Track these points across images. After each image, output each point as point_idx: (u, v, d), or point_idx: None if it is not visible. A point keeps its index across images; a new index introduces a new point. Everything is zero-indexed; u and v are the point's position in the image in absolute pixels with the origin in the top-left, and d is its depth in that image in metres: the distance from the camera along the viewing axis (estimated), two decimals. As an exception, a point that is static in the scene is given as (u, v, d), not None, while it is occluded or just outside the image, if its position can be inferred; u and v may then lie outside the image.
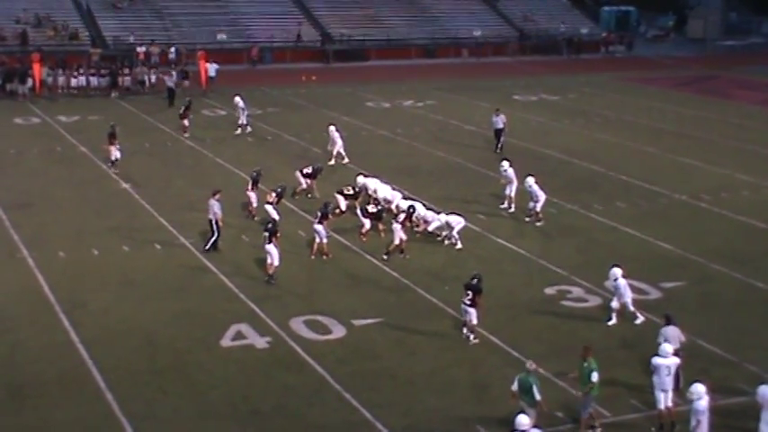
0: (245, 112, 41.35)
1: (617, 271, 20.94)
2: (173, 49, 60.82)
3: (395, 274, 24.10)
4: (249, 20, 68.62)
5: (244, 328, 20.72)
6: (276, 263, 23.62)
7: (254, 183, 28.94)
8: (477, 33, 72.19)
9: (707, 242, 26.83)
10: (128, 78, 52.54)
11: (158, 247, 26.14)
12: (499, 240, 26.87)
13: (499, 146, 37.61)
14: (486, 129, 42.04)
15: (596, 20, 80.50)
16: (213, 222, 25.92)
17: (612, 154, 37.48)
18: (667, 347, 16.45)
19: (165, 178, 33.81)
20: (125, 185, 32.38)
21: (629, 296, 20.94)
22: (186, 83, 51.97)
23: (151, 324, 21.00)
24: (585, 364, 16.29)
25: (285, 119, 44.93)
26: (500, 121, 38.08)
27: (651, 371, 16.45)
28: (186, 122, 40.66)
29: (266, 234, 23.92)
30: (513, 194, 29.13)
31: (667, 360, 16.34)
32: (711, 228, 28.41)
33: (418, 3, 74.90)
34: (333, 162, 34.49)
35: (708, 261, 25.18)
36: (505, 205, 29.29)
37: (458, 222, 26.19)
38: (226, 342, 20.10)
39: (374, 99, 51.19)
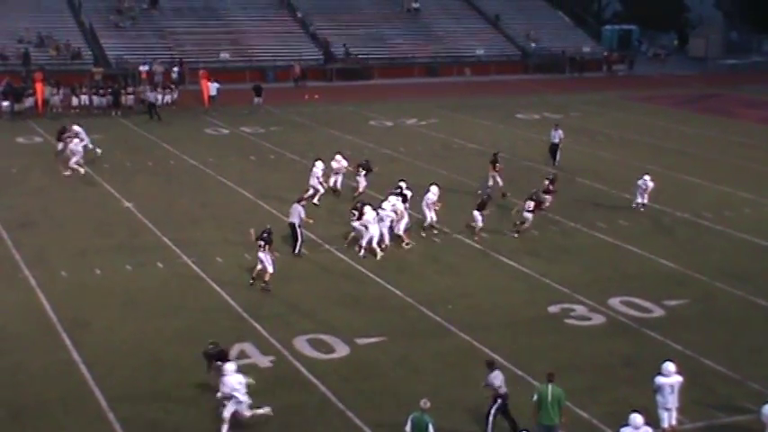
0: (87, 140, 39.04)
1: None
2: (176, 69, 61.09)
3: (398, 292, 24.09)
4: (252, 39, 68.87)
5: (247, 347, 20.69)
6: (270, 270, 23.80)
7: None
8: (480, 52, 72.42)
9: (709, 260, 26.82)
10: (131, 97, 52.71)
11: (161, 265, 26.14)
12: (502, 258, 26.86)
13: (554, 161, 38.49)
14: (489, 147, 42.16)
15: (598, 38, 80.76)
16: (297, 226, 26.49)
17: (615, 172, 37.52)
18: (670, 366, 16.41)
19: (167, 197, 33.85)
20: (127, 204, 32.42)
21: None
22: (168, 98, 53.09)
23: (154, 343, 20.98)
24: (551, 390, 16.00)
25: (288, 137, 45.02)
26: (557, 136, 38.76)
27: (654, 390, 16.41)
28: (60, 146, 38.14)
29: (261, 243, 24.02)
30: None
31: (670, 379, 16.30)
32: (713, 245, 28.40)
33: (421, 21, 75.21)
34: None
35: (710, 279, 25.16)
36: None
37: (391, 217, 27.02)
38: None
39: (377, 118, 51.30)
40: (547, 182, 31.47)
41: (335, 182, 33.45)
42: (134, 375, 19.41)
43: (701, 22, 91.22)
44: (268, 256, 24.05)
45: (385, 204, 27.69)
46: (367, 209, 27.13)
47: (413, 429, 15.34)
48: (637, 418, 14.78)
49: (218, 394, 17.04)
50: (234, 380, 16.78)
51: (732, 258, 27.17)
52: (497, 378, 16.62)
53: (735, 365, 19.68)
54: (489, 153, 41.17)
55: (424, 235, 28.61)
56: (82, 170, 36.46)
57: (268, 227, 24.93)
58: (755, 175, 37.31)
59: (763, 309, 23.23)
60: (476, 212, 28.46)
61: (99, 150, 39.37)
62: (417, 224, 29.09)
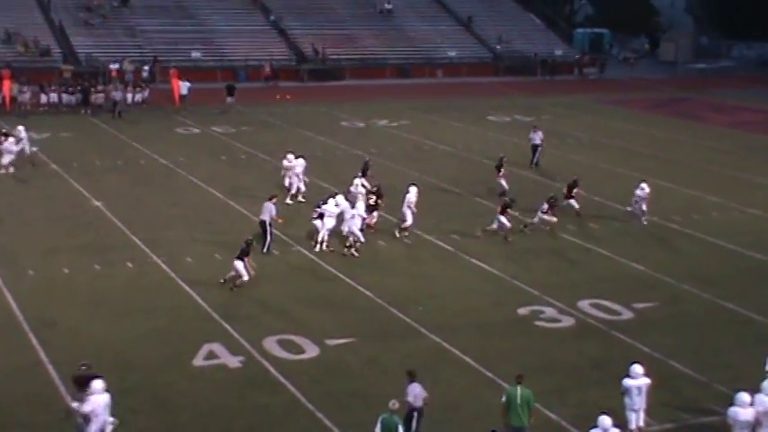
0: (27, 144, 38.25)
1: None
2: (146, 67, 60.77)
3: (368, 293, 24.07)
4: (224, 38, 68.61)
5: (216, 347, 20.59)
6: (245, 278, 23.71)
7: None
8: (452, 54, 72.56)
9: (678, 263, 27.01)
10: (101, 96, 52.27)
11: (130, 265, 25.97)
12: (472, 260, 26.91)
13: (535, 163, 38.77)
14: (461, 150, 42.32)
15: (570, 42, 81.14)
16: (267, 225, 26.48)
17: (585, 175, 37.62)
18: (637, 368, 16.48)
19: (137, 196, 33.64)
20: (97, 203, 32.19)
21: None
22: (138, 97, 52.95)
23: (122, 343, 20.82)
24: (520, 392, 16.00)
25: (259, 137, 44.88)
26: (537, 137, 39.02)
27: (622, 392, 16.49)
28: None
29: (240, 251, 23.97)
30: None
31: (638, 381, 16.37)
32: (682, 248, 28.60)
33: (393, 23, 75.24)
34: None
35: (679, 282, 25.34)
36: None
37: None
38: (198, 361, 19.95)
39: (349, 119, 51.26)
40: (566, 189, 31.42)
41: (290, 182, 33.27)
42: (101, 374, 19.21)
43: (671, 26, 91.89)
44: (243, 266, 23.89)
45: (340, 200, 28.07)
46: (331, 202, 27.58)
47: (382, 430, 15.32)
48: (605, 420, 14.84)
49: (78, 411, 15.77)
50: (101, 399, 15.73)
51: (700, 262, 27.38)
52: (413, 390, 16.32)
53: (702, 368, 19.82)
54: (460, 155, 41.43)
55: (398, 235, 28.59)
56: (11, 170, 36.06)
57: (249, 238, 24.77)
58: (724, 180, 37.62)
59: (730, 312, 23.41)
60: (500, 216, 28.47)
61: (35, 148, 38.64)
62: (386, 225, 29.09)
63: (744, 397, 15.62)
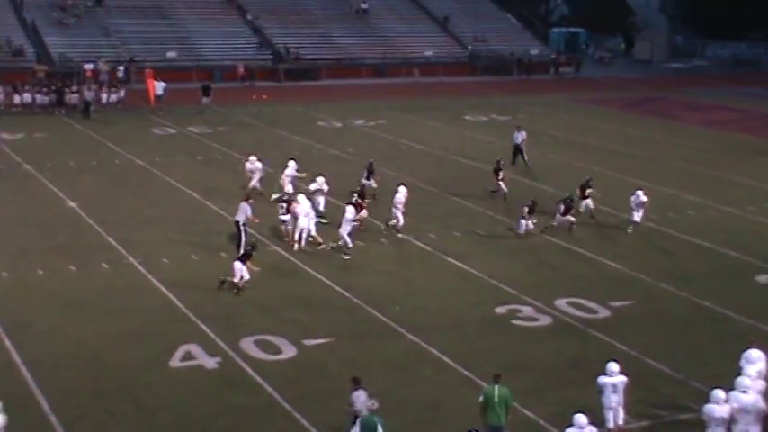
0: None
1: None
2: (121, 67, 60.46)
3: (346, 293, 24.03)
4: (199, 38, 68.37)
5: (193, 348, 20.48)
6: (237, 278, 23.53)
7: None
8: (429, 53, 72.61)
9: (654, 261, 27.12)
10: (75, 96, 51.92)
11: (105, 266, 25.80)
12: (449, 259, 26.92)
13: (525, 159, 38.80)
14: (438, 149, 42.37)
15: (546, 41, 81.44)
16: (242, 225, 26.33)
17: (562, 174, 37.79)
18: (613, 366, 16.51)
19: (113, 197, 33.44)
20: (72, 204, 31.97)
21: None
22: (114, 97, 52.45)
23: (98, 344, 20.67)
24: (498, 391, 15.97)
25: (235, 138, 44.73)
26: (519, 137, 39.17)
27: (598, 390, 16.52)
28: None
29: (243, 252, 23.98)
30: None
31: (614, 378, 16.39)
32: (658, 247, 28.71)
33: (369, 22, 75.23)
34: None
35: (655, 280, 25.45)
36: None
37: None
38: (174, 362, 19.84)
39: (325, 118, 51.20)
40: (579, 189, 31.00)
41: (254, 183, 33.14)
42: (77, 377, 19.11)
43: (646, 26, 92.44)
44: (243, 269, 23.67)
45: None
46: (301, 198, 27.69)
47: (362, 431, 15.29)
48: (581, 419, 14.87)
49: None
50: None
51: (676, 260, 27.50)
52: (359, 398, 16.02)
53: (678, 365, 19.91)
54: (437, 154, 41.45)
55: (385, 231, 28.58)
56: None
57: (253, 241, 24.61)
58: (699, 178, 37.83)
59: (706, 309, 23.54)
60: (522, 220, 28.43)
61: None
62: (368, 225, 29.07)
63: (719, 394, 15.69)
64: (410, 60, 71.47)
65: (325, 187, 30.21)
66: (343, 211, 27.14)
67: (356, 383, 16.25)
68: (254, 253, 24.33)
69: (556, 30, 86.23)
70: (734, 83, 70.02)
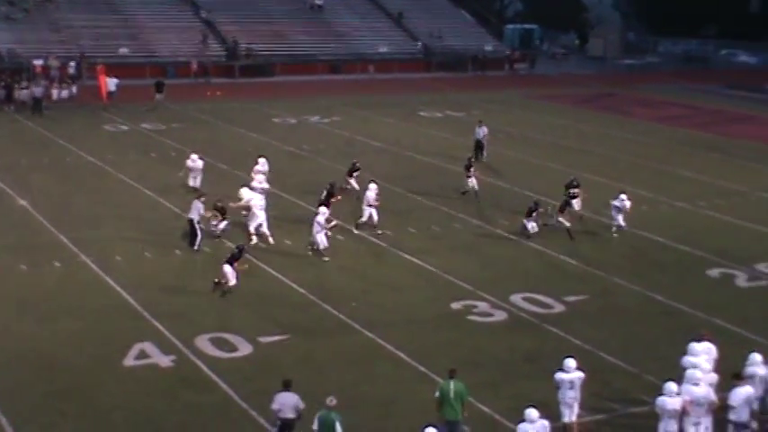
0: None
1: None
2: (72, 63, 59.74)
3: (301, 290, 23.95)
4: (151, 34, 67.76)
5: (147, 346, 20.30)
6: (232, 282, 23.14)
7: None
8: (383, 50, 72.63)
9: (608, 256, 27.35)
10: (24, 92, 51.10)
11: (58, 264, 25.47)
12: (405, 256, 26.94)
13: (478, 156, 38.62)
14: (393, 145, 42.40)
15: (500, 37, 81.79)
16: (196, 223, 26.19)
17: (517, 170, 38.01)
18: (570, 362, 16.61)
19: (64, 195, 33.05)
20: (22, 202, 31.54)
21: None
22: (65, 94, 51.99)
23: (50, 345, 20.41)
24: (453, 386, 16.01)
25: (189, 134, 44.40)
26: (481, 132, 39.30)
27: (556, 386, 16.61)
28: None
29: (230, 255, 23.46)
30: None
31: (570, 375, 16.49)
32: (612, 242, 28.94)
33: (324, 18, 75.05)
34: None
35: (609, 275, 25.66)
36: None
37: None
38: (128, 361, 19.66)
39: (280, 115, 51.00)
40: (568, 189, 30.54)
41: (195, 181, 32.84)
42: (29, 377, 18.85)
43: (599, 22, 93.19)
44: (231, 271, 23.30)
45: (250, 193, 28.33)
46: (244, 191, 27.90)
47: (320, 428, 15.22)
48: (532, 413, 14.98)
49: None
50: None
51: (630, 254, 27.75)
52: (281, 399, 15.82)
53: (631, 359, 20.09)
54: (392, 151, 41.45)
55: (356, 232, 28.56)
56: None
57: (242, 245, 24.27)
58: (652, 173, 38.21)
59: (659, 303, 23.78)
60: (525, 222, 28.23)
61: None
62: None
63: (671, 387, 15.87)
64: (365, 56, 71.42)
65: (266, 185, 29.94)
66: (315, 212, 26.81)
67: (285, 386, 16.01)
68: (243, 254, 23.81)
69: (510, 26, 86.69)
70: (685, 79, 70.83)
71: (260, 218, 27.46)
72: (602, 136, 46.79)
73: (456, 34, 77.04)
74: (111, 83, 52.83)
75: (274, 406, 15.92)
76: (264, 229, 27.52)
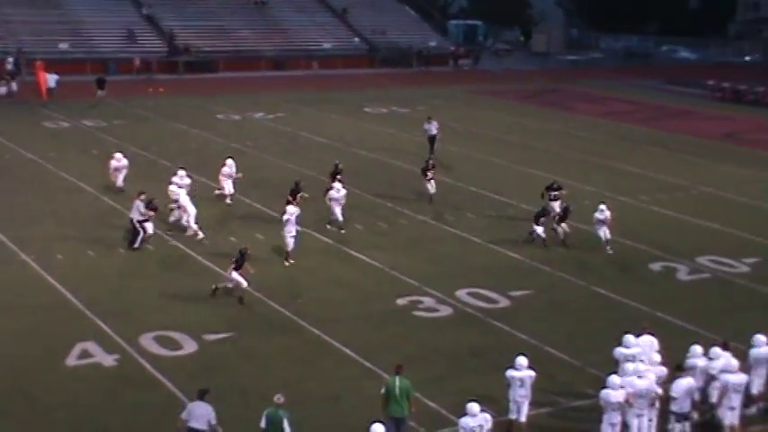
0: None
1: None
2: (11, 59, 58.74)
3: (247, 287, 23.76)
4: (92, 30, 66.87)
5: (90, 345, 20.05)
6: (244, 284, 22.54)
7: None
8: (327, 46, 72.46)
9: (552, 251, 27.54)
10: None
11: (-3, 264, 25.08)
12: (351, 252, 26.91)
13: (433, 151, 38.55)
14: (338, 141, 42.33)
15: (444, 33, 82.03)
16: (135, 221, 25.93)
17: (462, 166, 38.14)
18: (522, 360, 16.68)
19: (4, 192, 32.48)
20: (-39, 200, 30.98)
21: None
22: (3, 90, 51.47)
23: (-10, 345, 20.08)
24: (399, 382, 16.01)
25: (131, 131, 43.91)
26: (433, 128, 39.08)
27: (506, 383, 16.67)
28: None
29: (234, 261, 22.74)
30: None
31: (521, 373, 16.55)
32: (556, 236, 29.13)
33: (268, 15, 74.65)
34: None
35: (553, 269, 25.87)
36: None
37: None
38: (71, 361, 19.40)
39: (224, 111, 50.65)
40: (549, 191, 29.92)
41: (117, 181, 32.51)
42: (-32, 379, 18.52)
43: (543, 18, 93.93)
44: (238, 275, 22.71)
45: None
46: (173, 188, 28.03)
47: (268, 425, 15.14)
48: (473, 407, 15.05)
49: None
50: None
51: (574, 249, 27.93)
52: (195, 409, 15.29)
53: (576, 353, 20.28)
54: (337, 147, 41.37)
55: (329, 227, 28.40)
56: None
57: (244, 248, 23.55)
58: (595, 168, 38.59)
59: (603, 297, 24.03)
60: (535, 226, 27.57)
61: None
62: (265, 217, 28.83)
63: (614, 379, 16.05)
64: (309, 53, 71.21)
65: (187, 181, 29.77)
66: (282, 212, 26.27)
67: (200, 395, 15.49)
68: (246, 257, 23.06)
69: (454, 22, 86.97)
70: (627, 75, 71.66)
71: (192, 212, 27.50)
72: (546, 131, 47.15)
73: (400, 30, 77.14)
74: (50, 79, 52.06)
75: (183, 415, 15.39)
76: (185, 221, 27.55)
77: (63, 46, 63.78)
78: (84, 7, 68.88)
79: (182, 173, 29.70)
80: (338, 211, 28.47)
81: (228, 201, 31.33)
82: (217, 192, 31.52)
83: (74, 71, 57.73)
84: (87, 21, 67.59)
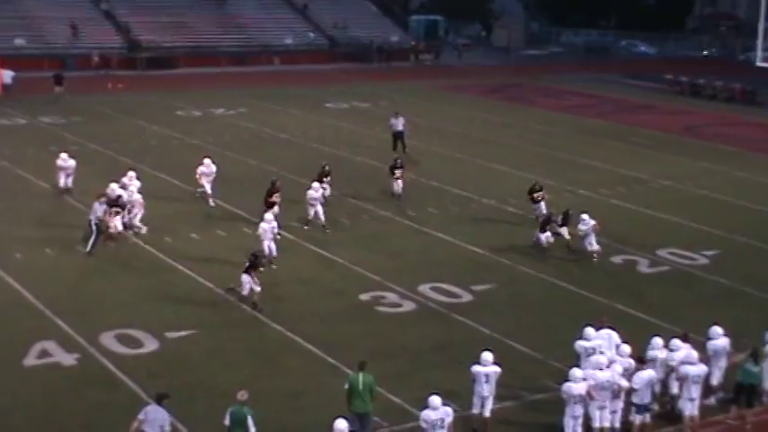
0: None
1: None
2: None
3: (209, 285, 23.66)
4: (48, 25, 66.09)
5: (49, 345, 19.83)
6: (257, 289, 21.99)
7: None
8: (289, 41, 72.20)
9: (514, 245, 27.62)
10: None
11: (-47, 264, 24.73)
12: (313, 248, 26.84)
13: (404, 148, 38.43)
14: (300, 137, 42.21)
15: (406, 28, 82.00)
16: (93, 223, 25.51)
17: (424, 161, 38.16)
18: (487, 355, 16.70)
19: (-40, 191, 32.06)
20: None
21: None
22: None
23: (-54, 346, 19.80)
24: (362, 378, 16.04)
25: (91, 128, 43.47)
26: (399, 124, 38.91)
27: (471, 378, 16.69)
28: None
29: (248, 263, 22.18)
30: None
31: (486, 368, 16.58)
32: (518, 231, 29.22)
33: (228, 10, 74.23)
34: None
35: (515, 263, 25.97)
36: None
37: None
38: (29, 361, 19.17)
39: (184, 107, 50.29)
40: (531, 194, 29.40)
41: (66, 182, 31.78)
42: (-75, 381, 18.26)
43: (503, 13, 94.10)
44: (251, 278, 22.21)
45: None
46: (113, 185, 27.70)
47: (232, 422, 15.07)
48: (435, 400, 15.09)
49: None
50: None
51: (535, 243, 28.08)
52: (153, 413, 14.95)
53: (538, 346, 20.38)
54: (299, 143, 41.26)
55: (307, 228, 28.17)
56: None
57: (257, 252, 23.15)
58: (556, 162, 38.78)
59: (563, 290, 24.17)
60: (540, 234, 26.88)
61: None
62: (226, 215, 28.67)
63: (576, 372, 16.18)
64: (270, 48, 70.89)
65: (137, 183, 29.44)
66: (261, 219, 25.80)
67: (158, 399, 15.21)
68: (260, 261, 22.61)
69: (415, 17, 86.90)
70: (587, 69, 72.01)
71: (141, 210, 27.60)
72: (508, 126, 47.32)
73: (361, 25, 77.02)
74: (6, 75, 51.50)
75: (140, 415, 15.04)
76: (138, 222, 27.55)
77: (19, 42, 62.97)
78: (41, 3, 68.06)
79: (132, 174, 29.15)
80: (320, 210, 28.17)
81: (212, 203, 30.79)
82: (199, 191, 31.11)
83: (31, 67, 57.05)
84: (43, 16, 66.76)
